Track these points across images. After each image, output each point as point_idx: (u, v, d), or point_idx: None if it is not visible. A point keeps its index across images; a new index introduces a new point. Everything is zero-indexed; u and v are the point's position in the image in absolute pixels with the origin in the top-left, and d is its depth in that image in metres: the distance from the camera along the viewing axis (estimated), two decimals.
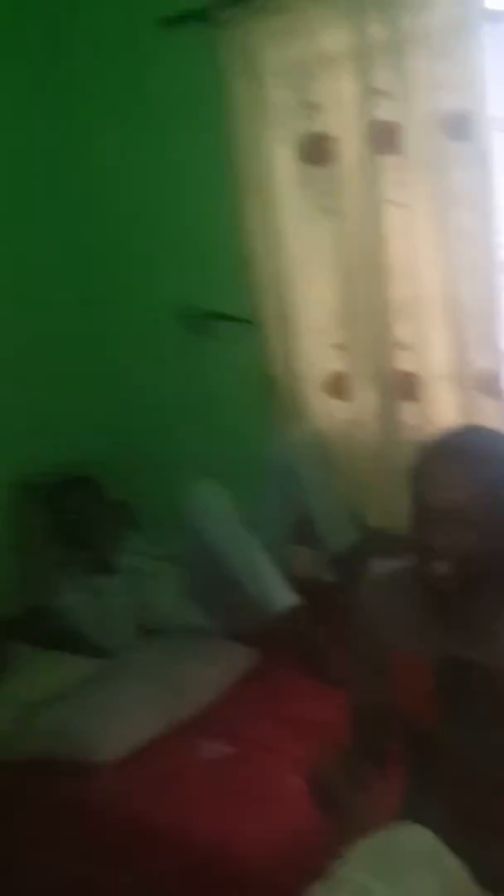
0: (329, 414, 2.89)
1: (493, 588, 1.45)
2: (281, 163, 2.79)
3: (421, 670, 1.40)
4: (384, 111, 2.54)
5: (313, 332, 2.85)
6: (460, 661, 1.46)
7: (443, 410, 2.63)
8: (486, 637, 1.46)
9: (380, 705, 1.60)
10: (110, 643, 2.84)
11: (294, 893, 1.52)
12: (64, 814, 2.22)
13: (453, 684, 1.38)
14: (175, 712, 2.44)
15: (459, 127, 2.43)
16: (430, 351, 2.62)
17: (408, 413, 2.70)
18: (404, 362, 2.69)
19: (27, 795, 2.31)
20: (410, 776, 1.69)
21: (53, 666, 2.77)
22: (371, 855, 1.55)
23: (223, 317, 3.05)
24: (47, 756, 2.37)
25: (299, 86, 2.71)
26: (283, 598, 2.58)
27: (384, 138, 2.54)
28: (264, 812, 2.04)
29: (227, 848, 1.96)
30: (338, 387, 2.86)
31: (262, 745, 2.29)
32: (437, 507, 1.39)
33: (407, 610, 1.53)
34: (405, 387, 2.68)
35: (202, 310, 3.08)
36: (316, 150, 2.71)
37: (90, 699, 2.51)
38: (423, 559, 1.42)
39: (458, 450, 1.44)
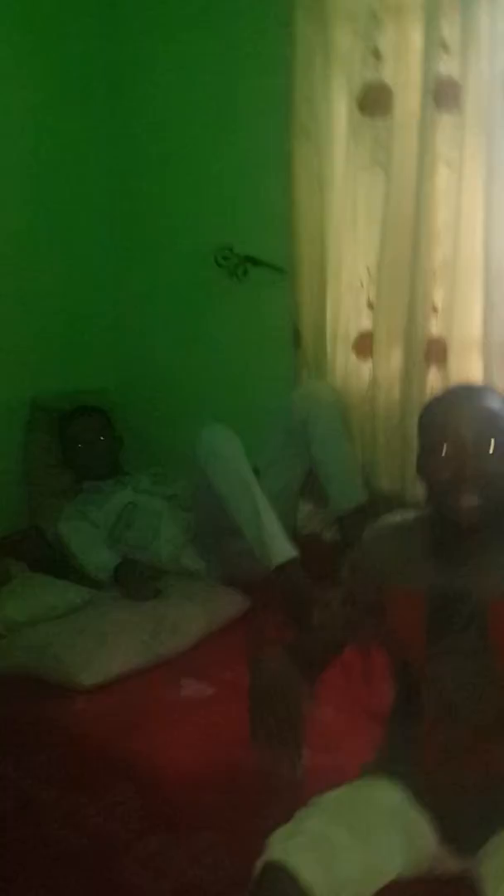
0: (353, 372, 2.84)
1: (488, 523, 1.51)
2: (337, 110, 2.73)
3: (415, 604, 1.45)
4: (447, 67, 2.48)
5: (347, 287, 2.79)
6: (452, 594, 1.51)
7: (467, 378, 2.57)
8: (477, 570, 1.52)
9: (336, 641, 1.71)
10: (97, 574, 2.83)
11: (255, 838, 1.50)
12: (35, 732, 2.21)
13: (444, 617, 1.42)
14: (160, 648, 2.42)
15: None
16: (461, 316, 2.57)
17: (432, 378, 2.65)
18: (434, 326, 2.63)
19: (2, 710, 2.30)
20: (391, 724, 1.70)
21: (45, 589, 2.74)
22: (337, 805, 1.56)
23: (259, 262, 3.00)
24: (29, 673, 2.37)
25: (365, 33, 2.64)
26: (282, 550, 2.55)
27: (444, 95, 2.49)
28: (235, 756, 2.02)
29: (192, 786, 1.95)
30: (365, 346, 2.80)
31: (241, 689, 2.26)
32: (465, 439, 1.47)
33: (405, 550, 1.59)
34: (433, 351, 2.63)
35: (239, 253, 3.02)
36: (374, 101, 2.65)
37: (77, 624, 2.50)
38: (449, 495, 1.48)
39: (473, 391, 1.58)
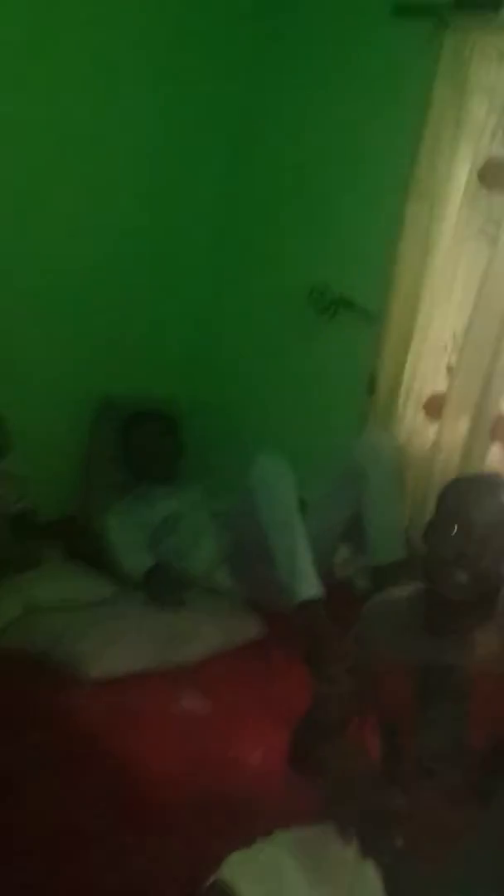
0: (418, 431, 2.87)
1: (480, 605, 1.60)
2: (457, 177, 2.76)
3: (404, 676, 1.50)
4: None
5: (430, 347, 2.83)
6: (439, 668, 1.58)
7: None
8: (463, 646, 1.59)
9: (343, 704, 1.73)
10: (130, 572, 2.89)
11: (212, 856, 1.53)
12: (33, 714, 2.25)
13: (430, 690, 1.49)
14: (171, 656, 2.47)
15: None
16: None
17: (494, 454, 2.65)
18: None
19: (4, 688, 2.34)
20: None
21: (75, 578, 2.83)
22: (296, 844, 1.58)
23: (352, 305, 3.04)
24: (38, 656, 2.43)
25: (501, 109, 2.68)
26: (309, 587, 2.58)
27: None
28: (216, 775, 2.06)
29: (169, 794, 1.98)
30: (435, 408, 2.83)
31: (239, 714, 2.30)
32: (472, 525, 1.56)
33: (400, 623, 1.67)
34: (500, 428, 2.64)
35: (334, 293, 3.07)
36: (495, 175, 2.68)
37: (96, 617, 2.56)
38: (445, 570, 1.57)
39: (497, 483, 1.66)
